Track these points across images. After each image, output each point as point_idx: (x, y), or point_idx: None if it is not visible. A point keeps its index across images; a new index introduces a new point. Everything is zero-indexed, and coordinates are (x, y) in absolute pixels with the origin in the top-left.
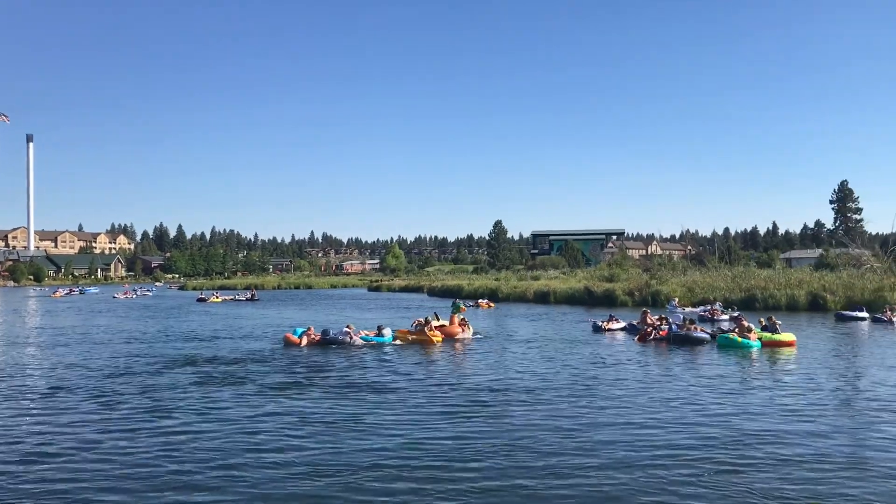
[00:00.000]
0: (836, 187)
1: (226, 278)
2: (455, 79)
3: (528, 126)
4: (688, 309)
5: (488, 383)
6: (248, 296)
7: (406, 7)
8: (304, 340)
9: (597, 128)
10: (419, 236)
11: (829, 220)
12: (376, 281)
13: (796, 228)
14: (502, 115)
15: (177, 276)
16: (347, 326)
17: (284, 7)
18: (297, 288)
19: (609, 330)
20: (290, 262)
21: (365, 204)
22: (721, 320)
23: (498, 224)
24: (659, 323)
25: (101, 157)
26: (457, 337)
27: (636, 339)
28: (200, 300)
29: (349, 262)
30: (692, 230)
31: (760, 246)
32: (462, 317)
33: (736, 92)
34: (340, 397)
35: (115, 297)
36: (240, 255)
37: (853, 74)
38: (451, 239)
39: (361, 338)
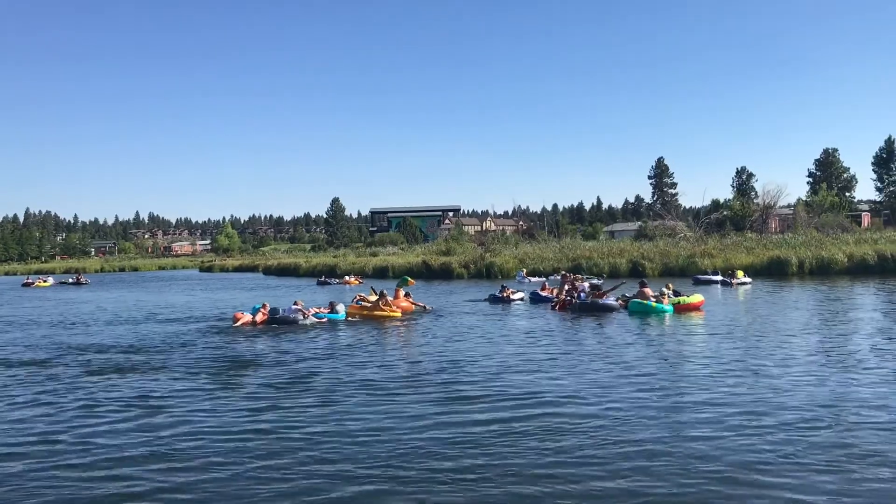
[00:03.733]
0: (654, 164)
1: (43, 262)
2: (290, 56)
3: (364, 104)
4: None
5: (460, 361)
6: (74, 279)
7: None
8: (244, 318)
9: (430, 108)
10: (253, 215)
11: (647, 195)
12: (208, 261)
13: (619, 203)
14: (337, 93)
15: None
16: (296, 303)
17: None
18: (122, 270)
19: (511, 300)
20: (115, 244)
21: (194, 182)
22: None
23: (335, 202)
24: (571, 291)
25: None
26: (403, 310)
27: (556, 307)
28: (26, 284)
29: (178, 244)
30: (524, 206)
31: (586, 220)
32: (406, 290)
33: (562, 77)
34: (304, 390)
35: None
36: (58, 238)
37: (671, 64)
38: (288, 218)
39: (314, 315)
